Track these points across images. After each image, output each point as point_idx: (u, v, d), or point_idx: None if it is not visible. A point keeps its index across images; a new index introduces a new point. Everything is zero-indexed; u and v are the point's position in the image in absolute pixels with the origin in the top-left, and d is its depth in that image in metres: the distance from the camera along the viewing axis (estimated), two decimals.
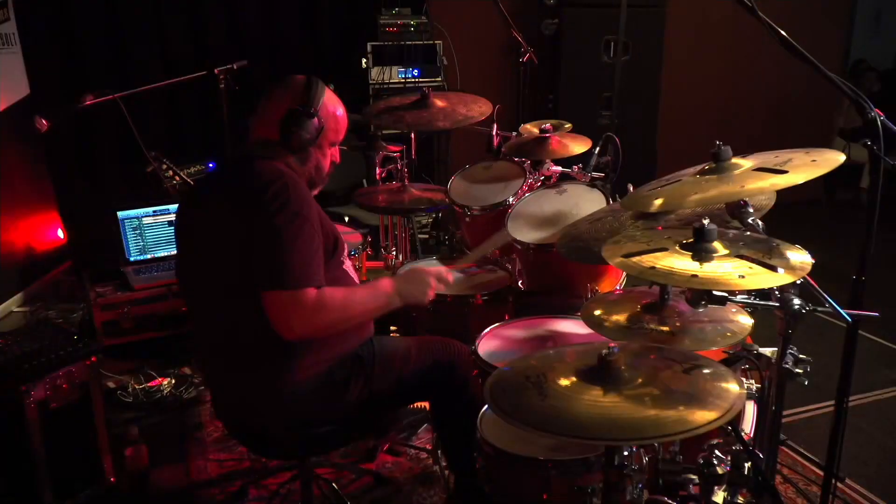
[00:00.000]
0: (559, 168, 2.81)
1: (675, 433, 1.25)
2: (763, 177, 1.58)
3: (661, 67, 5.21)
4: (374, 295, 1.87)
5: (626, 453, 1.45)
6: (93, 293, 3.41)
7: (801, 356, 1.58)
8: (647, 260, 1.56)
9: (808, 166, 1.56)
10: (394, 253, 3.23)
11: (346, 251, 1.99)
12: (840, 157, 1.57)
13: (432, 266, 2.22)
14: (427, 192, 3.01)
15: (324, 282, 1.75)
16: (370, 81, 4.63)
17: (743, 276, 1.44)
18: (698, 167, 1.76)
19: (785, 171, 1.56)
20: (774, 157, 1.66)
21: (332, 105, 1.93)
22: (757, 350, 1.62)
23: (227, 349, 1.87)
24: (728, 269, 1.48)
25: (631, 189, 2.40)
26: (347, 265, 1.99)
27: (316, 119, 1.86)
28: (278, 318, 1.70)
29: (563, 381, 1.39)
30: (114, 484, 2.53)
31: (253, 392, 1.84)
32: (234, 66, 3.42)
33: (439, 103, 2.79)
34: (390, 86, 4.63)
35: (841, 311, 1.46)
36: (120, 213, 3.58)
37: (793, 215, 3.33)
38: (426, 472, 2.64)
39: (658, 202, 1.70)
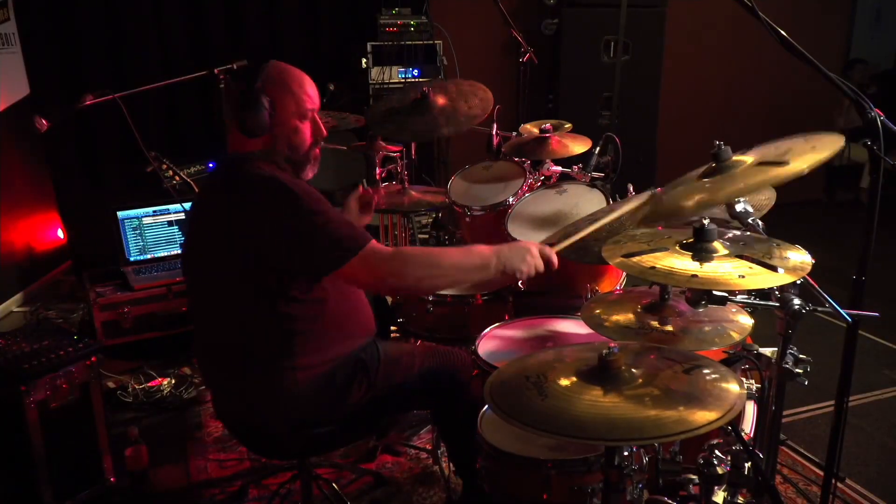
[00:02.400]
0: (559, 168, 2.81)
1: (675, 433, 1.25)
2: (765, 170, 1.57)
3: (661, 67, 5.20)
4: (466, 253, 1.84)
5: (626, 453, 1.45)
6: (93, 293, 3.41)
7: (801, 356, 1.58)
8: (648, 260, 1.56)
9: (809, 153, 1.54)
10: None
11: None
12: (840, 140, 1.56)
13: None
14: (427, 195, 3.00)
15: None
16: (370, 81, 4.63)
17: (743, 276, 1.44)
18: (700, 170, 1.75)
19: (785, 163, 1.55)
20: (774, 149, 1.65)
21: (281, 77, 1.84)
22: (757, 350, 1.62)
23: (228, 349, 1.87)
24: (728, 269, 1.48)
25: (631, 189, 2.41)
26: None
27: (263, 97, 1.79)
28: (367, 280, 1.77)
29: (563, 381, 1.39)
30: (114, 484, 2.53)
31: (254, 392, 1.84)
32: (234, 66, 3.42)
33: (440, 101, 2.78)
34: (390, 86, 4.63)
35: (841, 311, 1.45)
36: (120, 213, 3.58)
37: (793, 215, 3.33)
38: (426, 472, 2.64)
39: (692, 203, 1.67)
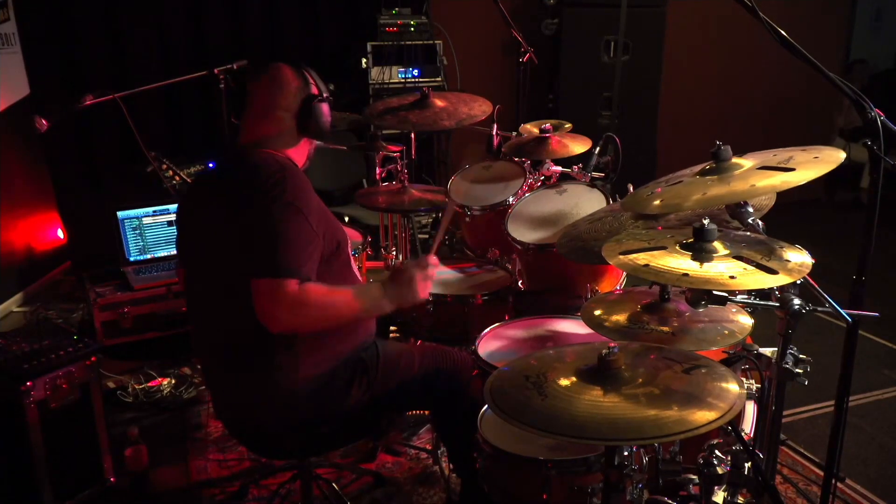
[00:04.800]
0: (559, 168, 2.81)
1: (675, 433, 1.25)
2: (772, 175, 1.57)
3: (661, 67, 5.21)
4: (359, 296, 1.81)
5: (626, 453, 1.45)
6: (92, 293, 3.41)
7: (801, 356, 1.58)
8: (643, 258, 1.56)
9: (813, 163, 1.55)
10: (394, 253, 3.22)
11: (349, 249, 1.99)
12: (840, 155, 1.57)
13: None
14: (427, 193, 3.00)
15: (312, 276, 1.74)
16: (370, 81, 4.63)
17: (734, 277, 1.44)
18: (698, 167, 1.76)
19: (792, 169, 1.55)
20: (773, 156, 1.66)
21: (314, 81, 1.96)
22: (757, 350, 1.62)
23: (228, 348, 1.87)
24: (721, 270, 1.47)
25: (631, 189, 2.41)
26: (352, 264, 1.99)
27: (326, 103, 1.92)
28: (262, 308, 1.70)
29: (563, 381, 1.39)
30: (114, 484, 2.53)
31: (254, 392, 1.84)
32: (234, 66, 3.42)
33: (439, 103, 2.79)
34: (390, 86, 4.63)
35: (841, 311, 1.45)
36: (120, 213, 3.58)
37: (793, 215, 3.33)
38: (426, 472, 2.64)
39: (657, 203, 1.69)
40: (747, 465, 1.58)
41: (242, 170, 1.85)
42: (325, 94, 1.93)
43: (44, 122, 2.99)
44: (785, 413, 1.67)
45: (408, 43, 4.62)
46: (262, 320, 1.70)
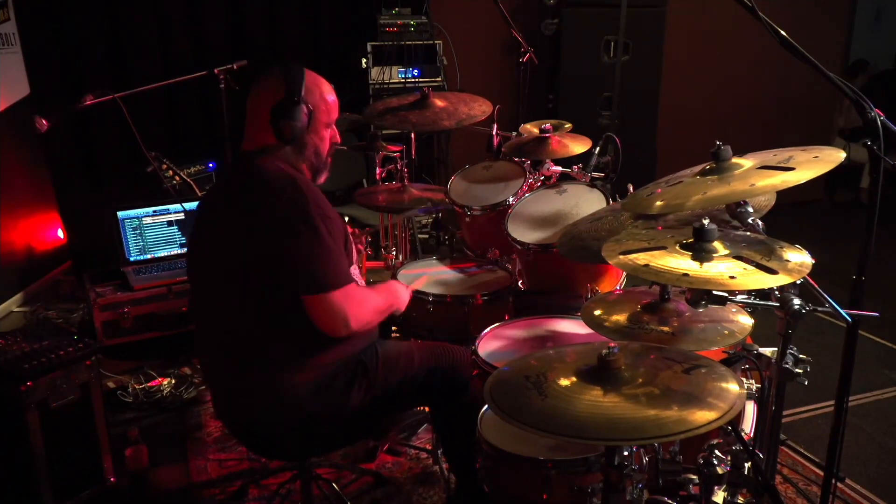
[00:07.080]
0: (559, 168, 2.81)
1: (675, 433, 1.25)
2: (772, 174, 1.58)
3: (661, 67, 5.21)
4: (387, 298, 2.03)
5: (626, 453, 1.45)
6: (93, 293, 3.41)
7: (801, 356, 1.58)
8: (643, 258, 1.56)
9: (813, 163, 1.56)
10: (394, 253, 3.23)
11: (353, 252, 1.99)
12: (840, 154, 1.57)
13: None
14: (427, 192, 3.00)
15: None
16: (370, 81, 4.63)
17: (734, 277, 1.44)
18: (698, 167, 1.76)
19: (792, 168, 1.55)
20: (773, 156, 1.66)
21: (316, 87, 1.90)
22: (757, 350, 1.62)
23: (231, 350, 1.87)
24: (721, 270, 1.47)
25: (631, 189, 2.41)
26: (354, 271, 1.99)
27: (303, 105, 1.85)
28: (331, 319, 1.76)
29: (563, 381, 1.39)
30: (114, 484, 2.53)
31: (255, 393, 1.84)
32: (234, 66, 3.43)
33: (439, 103, 2.79)
34: (390, 86, 4.63)
35: (841, 311, 1.45)
36: (120, 213, 3.58)
37: (793, 215, 3.34)
38: (426, 472, 2.64)
39: (658, 203, 1.69)
40: (747, 465, 1.58)
41: (251, 184, 1.84)
42: (294, 98, 1.83)
43: (44, 122, 3.00)
44: (785, 413, 1.67)
45: (408, 43, 4.62)
46: (328, 330, 1.78)
